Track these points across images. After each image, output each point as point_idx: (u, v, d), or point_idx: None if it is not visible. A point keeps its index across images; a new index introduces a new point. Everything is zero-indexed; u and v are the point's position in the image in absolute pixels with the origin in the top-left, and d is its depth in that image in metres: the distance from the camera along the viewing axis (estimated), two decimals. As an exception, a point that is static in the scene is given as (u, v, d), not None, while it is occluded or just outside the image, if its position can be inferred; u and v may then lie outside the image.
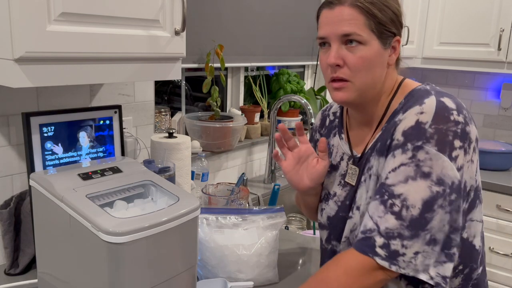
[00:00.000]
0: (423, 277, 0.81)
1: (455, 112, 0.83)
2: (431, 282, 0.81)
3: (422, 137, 0.82)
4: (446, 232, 0.82)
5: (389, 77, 0.95)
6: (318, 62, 0.98)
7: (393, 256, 0.81)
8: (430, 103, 0.84)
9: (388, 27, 0.90)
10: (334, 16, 0.89)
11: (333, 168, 1.05)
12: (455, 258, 0.83)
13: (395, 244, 0.81)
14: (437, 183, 0.81)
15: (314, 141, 1.16)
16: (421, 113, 0.84)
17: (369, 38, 0.88)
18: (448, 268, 0.82)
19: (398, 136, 0.85)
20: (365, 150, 0.97)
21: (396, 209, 0.82)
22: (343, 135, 1.04)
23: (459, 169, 0.82)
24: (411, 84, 0.95)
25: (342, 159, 1.03)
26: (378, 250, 0.82)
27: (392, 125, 0.88)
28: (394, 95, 0.95)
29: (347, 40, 0.88)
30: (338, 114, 1.09)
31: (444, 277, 0.82)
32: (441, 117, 0.82)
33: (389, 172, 0.85)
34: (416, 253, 0.81)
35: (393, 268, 0.82)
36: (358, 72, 0.89)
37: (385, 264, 0.82)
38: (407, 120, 0.85)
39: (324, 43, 0.92)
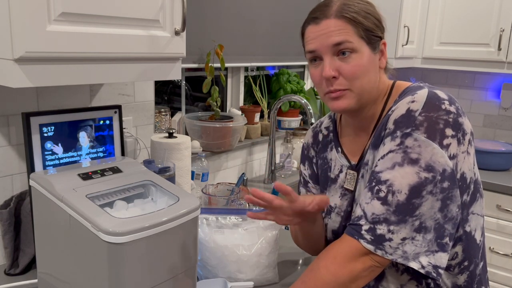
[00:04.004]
0: (413, 265, 0.81)
1: (446, 102, 0.84)
2: (422, 271, 0.81)
3: (411, 124, 0.83)
4: (438, 220, 0.82)
5: (382, 81, 0.96)
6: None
7: (378, 240, 0.82)
8: (422, 93, 0.85)
9: (374, 32, 0.91)
10: (321, 29, 0.90)
11: (332, 181, 1.05)
12: (448, 249, 0.83)
13: (381, 229, 0.82)
14: (426, 170, 0.81)
15: (308, 159, 1.14)
16: (412, 101, 0.85)
17: (359, 45, 0.89)
18: (440, 258, 0.82)
19: (390, 125, 0.86)
20: (362, 154, 0.98)
21: (381, 194, 0.83)
22: (339, 148, 1.04)
23: (451, 157, 0.82)
24: (404, 83, 0.97)
25: (341, 171, 1.03)
26: (364, 233, 0.83)
27: (386, 118, 0.89)
28: (389, 96, 0.96)
29: (339, 50, 0.89)
30: (331, 128, 1.09)
31: (436, 267, 0.82)
32: (431, 105, 0.83)
33: (378, 160, 0.86)
34: (404, 239, 0.81)
35: (379, 252, 0.82)
36: (354, 80, 0.90)
37: (370, 247, 0.82)
38: (398, 109, 0.86)
39: (315, 58, 0.93)
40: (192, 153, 1.66)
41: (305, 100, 1.89)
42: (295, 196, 0.88)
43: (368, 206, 0.84)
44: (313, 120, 1.81)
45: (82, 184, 0.92)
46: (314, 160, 1.13)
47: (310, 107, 1.87)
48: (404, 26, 2.41)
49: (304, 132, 2.27)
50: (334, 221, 1.03)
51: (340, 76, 0.90)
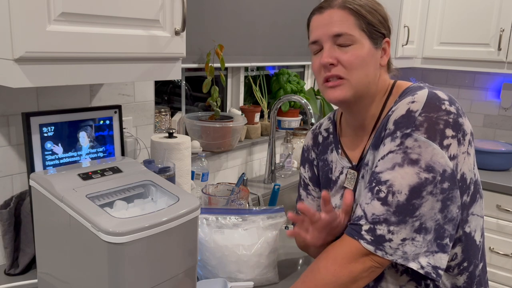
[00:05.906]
0: (412, 265, 0.81)
1: (447, 103, 0.84)
2: (421, 271, 0.82)
3: (411, 125, 0.83)
4: (438, 221, 0.82)
5: (382, 79, 0.97)
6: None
7: (379, 241, 0.82)
8: (422, 93, 0.86)
9: (377, 27, 0.92)
10: (324, 19, 0.92)
11: (333, 183, 1.05)
12: (448, 250, 0.83)
13: (381, 229, 0.82)
14: (426, 170, 0.81)
15: (309, 161, 1.15)
16: (413, 102, 0.85)
17: (360, 37, 0.90)
18: (439, 259, 0.82)
19: (390, 125, 0.86)
20: (362, 154, 0.98)
21: (382, 195, 0.83)
22: (340, 150, 1.05)
23: (452, 158, 0.82)
24: (404, 83, 0.97)
25: (341, 172, 1.03)
26: (364, 234, 0.83)
27: (386, 118, 0.89)
28: (389, 96, 0.96)
29: (339, 42, 0.90)
30: (331, 130, 1.09)
31: (435, 268, 0.82)
32: (432, 105, 0.83)
33: (379, 160, 0.86)
34: (404, 239, 0.81)
35: (379, 253, 0.82)
36: (352, 70, 0.90)
37: (370, 248, 0.82)
38: (399, 109, 0.86)
39: (317, 47, 0.94)
40: (192, 153, 1.66)
41: (305, 100, 1.89)
42: (317, 214, 0.92)
43: (368, 206, 0.84)
44: (313, 120, 1.81)
45: (82, 184, 0.92)
46: (315, 162, 1.13)
47: (310, 107, 1.87)
48: (404, 26, 2.41)
49: (304, 132, 2.27)
50: None
51: (338, 64, 0.91)
